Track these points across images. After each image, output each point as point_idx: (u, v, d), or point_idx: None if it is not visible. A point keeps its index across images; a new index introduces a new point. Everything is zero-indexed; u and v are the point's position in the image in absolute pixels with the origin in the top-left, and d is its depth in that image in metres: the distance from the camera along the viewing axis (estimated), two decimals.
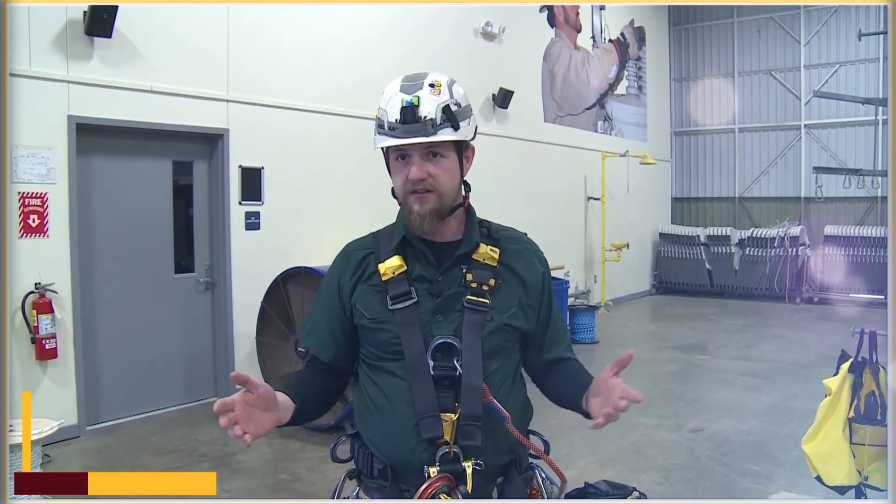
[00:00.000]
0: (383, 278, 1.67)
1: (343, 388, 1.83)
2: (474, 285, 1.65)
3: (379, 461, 1.65)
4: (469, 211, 1.73)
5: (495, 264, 1.68)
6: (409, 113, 1.56)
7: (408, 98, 1.57)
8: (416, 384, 1.59)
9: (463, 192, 1.70)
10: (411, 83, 1.61)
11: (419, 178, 1.59)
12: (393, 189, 1.70)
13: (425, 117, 1.57)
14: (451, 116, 1.60)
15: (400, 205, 1.69)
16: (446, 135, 1.59)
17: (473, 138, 1.69)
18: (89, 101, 5.27)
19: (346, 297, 1.72)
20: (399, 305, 1.64)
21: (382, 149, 1.65)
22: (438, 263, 1.67)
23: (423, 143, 1.59)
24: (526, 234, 1.83)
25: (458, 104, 1.62)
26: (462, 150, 1.67)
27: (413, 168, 1.59)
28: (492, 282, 1.66)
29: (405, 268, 1.67)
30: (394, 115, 1.58)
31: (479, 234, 1.71)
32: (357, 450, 1.72)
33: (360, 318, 1.69)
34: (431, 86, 1.60)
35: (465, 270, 1.67)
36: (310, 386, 1.74)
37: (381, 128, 1.60)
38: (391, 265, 1.67)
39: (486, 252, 1.69)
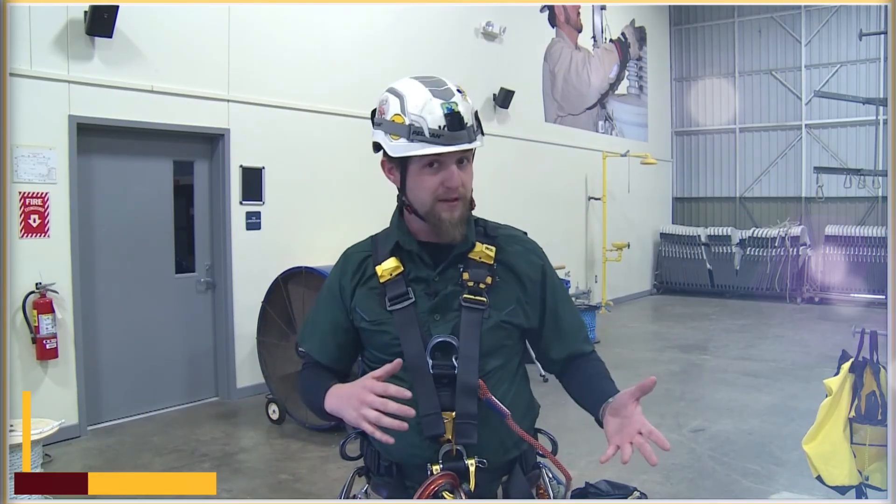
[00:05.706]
0: (381, 280, 1.68)
1: None
2: (471, 284, 1.65)
3: (385, 458, 1.67)
4: None
5: (492, 262, 1.69)
6: (456, 120, 1.55)
7: (448, 104, 1.56)
8: (416, 383, 1.60)
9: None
10: (441, 88, 1.58)
11: (458, 185, 1.59)
12: (404, 196, 1.65)
13: (468, 124, 1.58)
14: (479, 122, 1.62)
15: (415, 212, 1.64)
16: (480, 140, 1.62)
17: None
18: (90, 100, 5.27)
19: (346, 301, 1.73)
20: (397, 306, 1.64)
21: (408, 156, 1.59)
22: (435, 264, 1.68)
23: (465, 150, 1.59)
24: (525, 233, 1.83)
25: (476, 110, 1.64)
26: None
27: (454, 175, 1.58)
28: (489, 280, 1.66)
29: (402, 269, 1.67)
30: (437, 121, 1.54)
31: (475, 233, 1.72)
32: (365, 447, 1.74)
33: (360, 321, 1.70)
34: (460, 92, 1.60)
35: (461, 269, 1.67)
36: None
37: (419, 134, 1.54)
38: (387, 267, 1.68)
39: (482, 250, 1.69)
